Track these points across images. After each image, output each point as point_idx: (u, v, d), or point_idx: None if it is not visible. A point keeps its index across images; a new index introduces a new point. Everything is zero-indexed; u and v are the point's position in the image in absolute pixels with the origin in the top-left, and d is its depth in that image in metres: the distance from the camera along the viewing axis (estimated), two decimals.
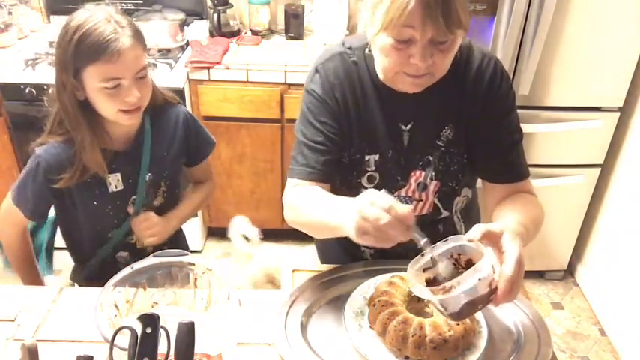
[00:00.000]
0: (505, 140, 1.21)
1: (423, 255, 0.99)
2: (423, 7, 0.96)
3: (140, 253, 1.44)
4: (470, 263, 0.98)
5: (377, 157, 1.21)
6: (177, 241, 1.59)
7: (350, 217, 0.95)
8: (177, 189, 1.51)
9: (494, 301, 0.95)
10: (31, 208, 1.36)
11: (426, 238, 0.95)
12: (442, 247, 0.99)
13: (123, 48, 1.19)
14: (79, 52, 1.19)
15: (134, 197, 1.40)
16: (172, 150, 1.44)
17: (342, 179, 1.26)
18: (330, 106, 1.19)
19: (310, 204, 1.14)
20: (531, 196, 1.23)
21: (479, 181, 1.33)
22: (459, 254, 1.01)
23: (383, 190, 0.95)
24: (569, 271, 2.76)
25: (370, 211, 0.91)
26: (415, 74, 1.06)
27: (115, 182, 1.36)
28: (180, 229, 1.63)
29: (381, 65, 1.10)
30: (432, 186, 1.24)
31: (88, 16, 1.20)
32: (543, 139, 2.28)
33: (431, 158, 1.22)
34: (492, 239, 0.96)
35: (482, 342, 1.06)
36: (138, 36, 1.24)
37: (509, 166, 1.22)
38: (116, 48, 1.18)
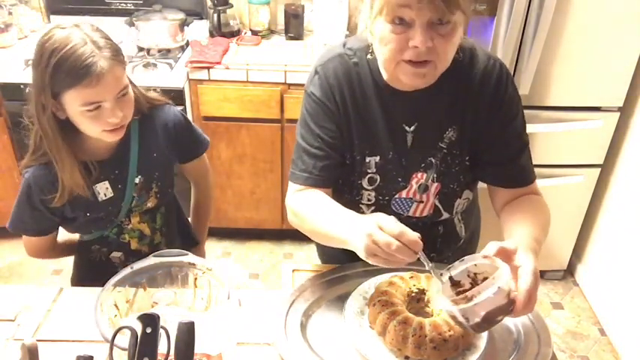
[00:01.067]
0: (512, 145, 1.21)
1: (441, 275, 1.02)
2: None
3: (134, 253, 1.44)
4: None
5: (377, 158, 1.21)
6: (186, 234, 1.64)
7: (359, 238, 0.99)
8: (171, 188, 1.50)
9: (514, 312, 0.96)
10: (34, 228, 1.37)
11: (432, 264, 1.01)
12: (459, 267, 1.01)
13: (102, 72, 1.15)
14: (57, 77, 1.15)
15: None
16: (162, 151, 1.42)
17: (344, 180, 1.26)
18: (329, 109, 1.18)
19: (314, 213, 1.16)
20: (537, 197, 1.23)
21: (479, 182, 1.33)
22: (475, 273, 1.02)
23: (392, 217, 0.98)
24: (569, 271, 2.77)
25: (380, 236, 0.95)
26: (416, 59, 1.03)
27: (103, 191, 1.34)
28: (187, 223, 1.67)
29: (382, 57, 1.08)
30: (433, 187, 1.24)
31: (63, 38, 1.15)
32: (543, 139, 2.28)
33: (433, 160, 1.21)
34: (507, 255, 0.99)
35: (482, 342, 1.06)
36: (117, 55, 1.20)
37: (516, 171, 1.22)
38: (95, 72, 1.14)
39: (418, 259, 0.98)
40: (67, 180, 1.26)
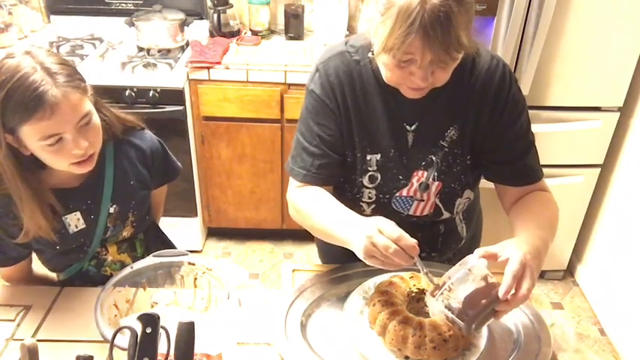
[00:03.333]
0: (518, 145, 1.21)
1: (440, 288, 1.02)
2: (422, 37, 0.95)
3: None
4: None
5: (378, 156, 1.21)
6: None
7: (358, 239, 1.03)
8: (148, 214, 1.40)
9: (501, 298, 0.95)
10: (2, 259, 1.27)
11: (426, 270, 1.04)
12: (456, 272, 1.00)
13: (54, 101, 1.03)
14: (8, 113, 1.04)
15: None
16: (140, 177, 1.32)
17: (345, 177, 1.26)
18: (328, 107, 1.19)
19: (315, 211, 1.19)
20: (544, 193, 1.24)
21: (482, 181, 1.33)
22: None
23: (391, 222, 1.02)
24: (569, 271, 2.76)
25: (380, 239, 1.00)
26: (416, 87, 1.07)
27: (74, 222, 1.24)
28: (172, 245, 1.54)
29: (384, 76, 1.10)
30: (434, 186, 1.24)
31: (12, 68, 1.04)
32: (543, 139, 2.26)
33: (434, 158, 1.21)
34: (494, 259, 1.01)
35: (482, 342, 1.06)
36: (73, 81, 1.08)
37: (523, 169, 1.22)
38: (46, 103, 1.03)
39: (415, 263, 1.01)
40: (28, 224, 1.16)
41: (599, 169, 2.42)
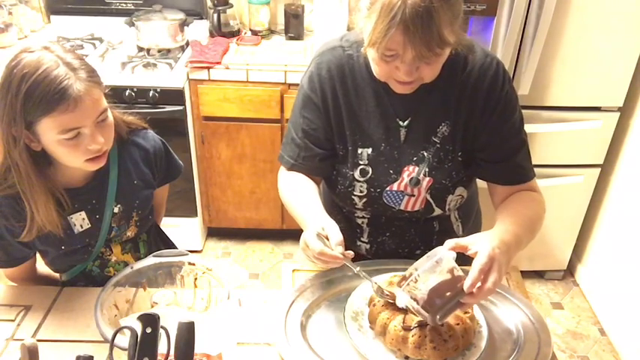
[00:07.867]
0: (509, 143, 1.21)
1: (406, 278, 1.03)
2: (403, 32, 0.97)
3: None
4: None
5: (370, 150, 1.22)
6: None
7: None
8: (151, 214, 1.40)
9: (467, 291, 0.97)
10: (4, 259, 1.27)
11: (358, 268, 1.11)
12: (424, 264, 1.01)
13: (79, 95, 1.05)
14: (30, 105, 1.05)
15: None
16: (143, 177, 1.33)
17: (337, 171, 1.28)
18: (313, 101, 1.22)
19: (291, 197, 1.28)
20: (533, 193, 1.24)
21: (482, 182, 1.33)
22: None
23: (316, 233, 1.11)
24: (569, 271, 2.77)
25: (309, 252, 1.12)
26: (403, 82, 1.08)
27: (79, 222, 1.24)
28: (174, 246, 1.55)
29: (374, 70, 1.12)
30: (425, 182, 1.24)
31: (34, 62, 1.05)
32: (543, 139, 2.28)
33: (425, 154, 1.22)
34: (464, 250, 1.03)
35: (482, 342, 1.06)
36: (93, 76, 1.11)
37: (513, 169, 1.23)
38: (71, 96, 1.05)
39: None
40: (39, 217, 1.16)
41: (599, 169, 2.42)
